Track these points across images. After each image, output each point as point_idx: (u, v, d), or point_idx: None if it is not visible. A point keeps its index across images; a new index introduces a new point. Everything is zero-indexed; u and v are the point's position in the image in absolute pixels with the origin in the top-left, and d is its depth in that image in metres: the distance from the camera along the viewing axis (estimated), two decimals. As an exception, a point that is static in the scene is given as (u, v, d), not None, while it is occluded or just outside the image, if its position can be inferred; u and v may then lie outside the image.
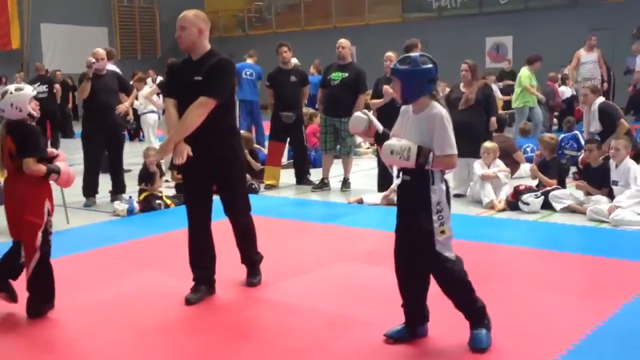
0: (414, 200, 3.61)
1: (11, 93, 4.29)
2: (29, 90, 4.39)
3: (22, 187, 4.26)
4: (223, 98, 4.46)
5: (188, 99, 4.39)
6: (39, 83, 14.56)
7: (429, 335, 3.83)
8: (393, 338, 3.79)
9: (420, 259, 3.63)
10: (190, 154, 4.34)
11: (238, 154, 4.72)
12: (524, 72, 12.01)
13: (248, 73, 12.04)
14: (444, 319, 3.83)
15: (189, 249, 4.71)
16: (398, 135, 3.69)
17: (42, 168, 4.25)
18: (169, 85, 4.80)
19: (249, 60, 12.36)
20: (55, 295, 4.42)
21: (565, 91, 15.50)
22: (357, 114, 3.82)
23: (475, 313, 3.70)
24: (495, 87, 13.98)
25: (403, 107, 3.77)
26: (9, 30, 23.59)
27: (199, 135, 4.40)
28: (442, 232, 3.59)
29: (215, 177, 4.63)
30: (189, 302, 4.52)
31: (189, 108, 4.36)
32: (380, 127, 3.77)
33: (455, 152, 3.59)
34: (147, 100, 11.49)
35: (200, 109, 4.35)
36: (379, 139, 3.73)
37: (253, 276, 4.92)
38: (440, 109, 3.61)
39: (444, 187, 3.63)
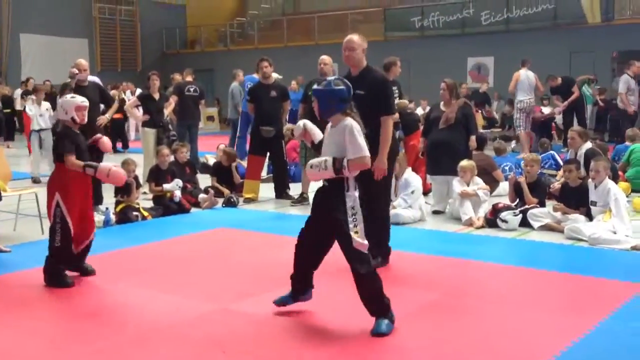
0: (332, 203, 4.10)
1: (65, 97, 5.42)
2: (78, 100, 5.34)
3: None
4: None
5: None
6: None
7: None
8: (281, 303, 4.47)
9: (340, 244, 4.15)
10: None
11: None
12: None
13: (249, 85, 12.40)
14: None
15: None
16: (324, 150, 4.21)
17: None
18: None
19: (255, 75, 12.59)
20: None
21: (545, 111, 15.63)
22: (299, 122, 4.47)
23: (380, 307, 4.09)
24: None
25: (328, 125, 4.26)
26: (-13, 39, 23.44)
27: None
28: (356, 232, 4.03)
29: None
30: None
31: (385, 129, 5.17)
32: (317, 138, 4.36)
33: (366, 154, 4.06)
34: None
35: (390, 127, 5.24)
36: (316, 147, 4.36)
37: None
38: (350, 121, 4.09)
39: (357, 194, 4.08)
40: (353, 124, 4.06)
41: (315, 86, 4.22)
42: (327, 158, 4.05)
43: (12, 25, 23.38)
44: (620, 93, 12.99)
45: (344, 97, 4.13)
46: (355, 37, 5.39)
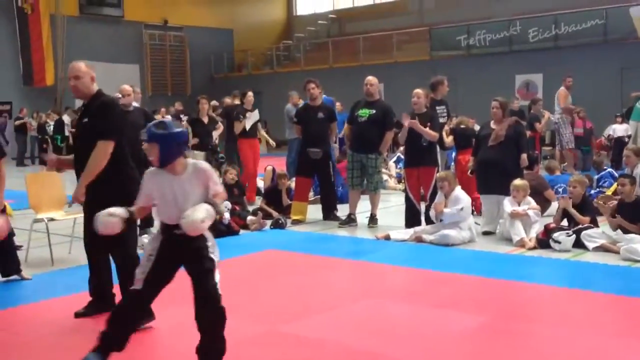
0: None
1: None
2: None
3: None
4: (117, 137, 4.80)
5: (79, 139, 4.92)
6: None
7: None
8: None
9: None
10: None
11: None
12: None
13: None
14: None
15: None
16: (164, 196, 3.79)
17: None
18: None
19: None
20: None
21: (618, 129, 14.68)
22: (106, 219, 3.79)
23: None
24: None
25: (154, 172, 3.85)
26: (44, 67, 24.20)
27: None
28: None
29: None
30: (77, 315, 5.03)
31: (95, 154, 4.75)
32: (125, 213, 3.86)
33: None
34: None
35: (102, 153, 4.77)
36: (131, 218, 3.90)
37: None
38: (200, 162, 3.92)
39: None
40: (205, 164, 3.91)
41: (152, 129, 3.80)
42: (206, 207, 3.64)
43: (67, 53, 24.09)
44: None
45: (185, 140, 3.99)
46: (81, 65, 4.98)
